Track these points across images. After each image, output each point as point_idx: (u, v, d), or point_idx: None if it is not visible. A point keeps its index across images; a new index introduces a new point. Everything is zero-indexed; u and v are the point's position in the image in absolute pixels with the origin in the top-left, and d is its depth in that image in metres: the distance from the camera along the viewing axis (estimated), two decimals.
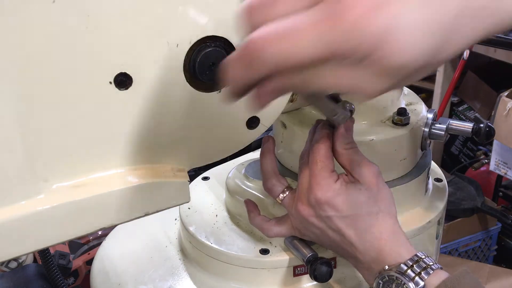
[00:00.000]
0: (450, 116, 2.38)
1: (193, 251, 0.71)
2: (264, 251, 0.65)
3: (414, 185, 0.71)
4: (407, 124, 0.67)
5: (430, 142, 0.74)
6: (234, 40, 0.46)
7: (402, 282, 0.51)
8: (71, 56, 0.40)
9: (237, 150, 0.54)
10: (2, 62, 0.38)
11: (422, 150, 0.72)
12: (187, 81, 0.46)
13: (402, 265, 0.52)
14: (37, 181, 0.42)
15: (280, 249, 0.66)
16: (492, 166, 1.83)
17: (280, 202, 0.62)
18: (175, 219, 0.80)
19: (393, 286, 0.52)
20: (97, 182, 0.45)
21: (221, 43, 0.45)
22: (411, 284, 0.51)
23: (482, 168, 2.07)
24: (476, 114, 2.33)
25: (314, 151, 0.57)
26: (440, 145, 2.42)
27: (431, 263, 0.52)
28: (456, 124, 0.71)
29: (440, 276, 0.51)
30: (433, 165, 0.79)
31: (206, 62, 0.45)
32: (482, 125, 0.69)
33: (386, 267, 0.53)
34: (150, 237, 0.78)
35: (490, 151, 1.89)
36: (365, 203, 0.55)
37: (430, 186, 0.77)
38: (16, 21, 0.37)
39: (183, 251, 0.74)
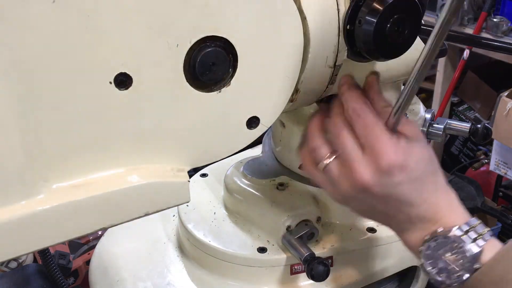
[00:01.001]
0: (450, 116, 2.38)
1: (191, 248, 0.71)
2: (262, 250, 0.66)
3: None
4: None
5: (430, 141, 0.74)
6: (234, 40, 0.46)
7: (459, 245, 0.49)
8: (71, 56, 0.40)
9: (237, 150, 0.54)
10: (2, 62, 0.38)
11: None
12: (187, 81, 0.46)
13: (458, 230, 0.50)
14: (37, 181, 0.42)
15: (277, 248, 0.66)
16: (492, 166, 1.83)
17: (322, 168, 0.54)
18: (173, 215, 0.80)
19: (448, 248, 0.49)
20: (97, 182, 0.45)
21: (221, 43, 0.45)
22: (468, 246, 0.49)
23: (482, 168, 2.07)
24: (476, 114, 2.33)
25: (365, 113, 0.51)
26: (440, 145, 2.42)
27: (486, 230, 0.50)
28: (453, 124, 0.71)
29: (494, 244, 0.50)
30: None
31: (206, 62, 0.45)
32: (479, 125, 0.69)
33: (441, 229, 0.50)
34: (148, 233, 0.78)
35: (490, 151, 1.89)
36: (429, 161, 0.52)
37: None
38: (16, 21, 0.37)
39: (181, 247, 0.75)
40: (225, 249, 0.66)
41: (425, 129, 0.70)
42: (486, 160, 2.07)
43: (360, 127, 0.51)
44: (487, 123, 0.71)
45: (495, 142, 1.78)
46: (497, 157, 1.80)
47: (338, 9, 0.52)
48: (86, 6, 0.39)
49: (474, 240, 0.49)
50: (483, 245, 0.49)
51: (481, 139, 0.69)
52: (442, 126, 0.71)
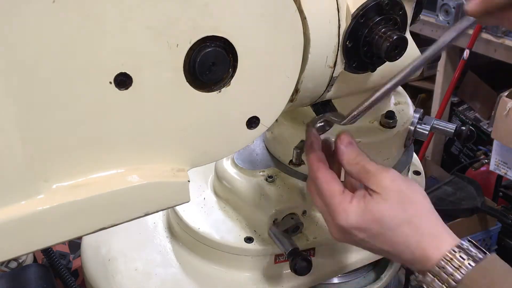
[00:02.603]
0: (450, 116, 2.38)
1: (180, 232, 0.73)
2: (249, 239, 0.68)
3: None
4: (394, 127, 0.69)
5: (413, 141, 0.75)
6: (234, 40, 0.46)
7: (442, 277, 0.50)
8: (71, 56, 0.40)
9: (237, 150, 0.54)
10: (2, 62, 0.38)
11: (405, 147, 0.74)
12: (187, 81, 0.46)
13: (442, 261, 0.50)
14: (37, 181, 0.42)
15: (263, 238, 0.68)
16: (492, 166, 1.83)
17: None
18: None
19: (433, 280, 0.51)
20: (97, 182, 0.45)
21: (221, 43, 0.45)
22: (451, 277, 0.49)
23: (482, 168, 2.07)
24: (476, 114, 2.32)
25: (316, 180, 0.55)
26: (440, 145, 2.42)
27: (468, 259, 0.50)
28: (440, 124, 0.74)
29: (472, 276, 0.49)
30: (414, 157, 0.81)
31: (206, 62, 0.45)
32: (464, 127, 0.72)
33: (427, 265, 0.51)
34: None
35: (490, 151, 1.89)
36: (391, 215, 0.51)
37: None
38: (16, 21, 0.37)
39: (170, 229, 0.77)
40: (214, 237, 0.68)
41: (412, 128, 0.72)
42: (486, 160, 2.07)
43: (319, 194, 0.56)
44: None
45: (495, 142, 1.78)
46: (497, 157, 1.80)
47: (339, 25, 0.53)
48: (86, 6, 0.39)
49: (457, 268, 0.49)
50: (466, 272, 0.49)
51: (465, 141, 0.72)
52: (429, 126, 0.73)
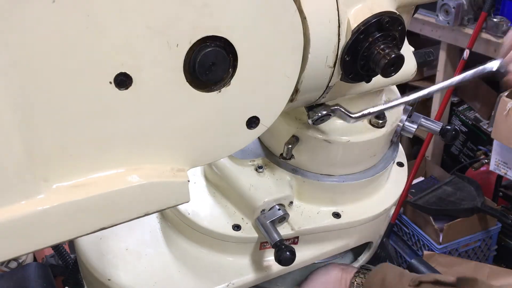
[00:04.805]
0: (450, 116, 2.38)
1: (170, 214, 0.74)
2: (237, 227, 0.70)
3: (378, 177, 0.74)
4: (383, 127, 0.70)
5: (400, 137, 0.77)
6: (234, 40, 0.46)
7: None
8: (71, 56, 0.40)
9: (237, 150, 0.54)
10: (3, 62, 0.38)
11: (391, 142, 0.75)
12: (187, 81, 0.46)
13: None
14: (37, 181, 0.42)
15: (250, 227, 0.70)
16: (492, 166, 1.83)
17: None
18: None
19: None
20: (97, 182, 0.45)
21: (221, 43, 0.45)
22: None
23: (482, 168, 2.07)
24: (476, 114, 2.32)
25: None
26: (440, 145, 2.42)
27: None
28: (426, 122, 0.75)
29: None
30: (400, 150, 0.82)
31: (206, 62, 0.45)
32: (449, 127, 0.73)
33: None
34: None
35: (490, 151, 1.89)
36: None
37: (393, 171, 0.80)
38: (16, 21, 0.37)
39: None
40: (203, 223, 0.70)
41: (401, 125, 0.74)
42: (486, 160, 2.07)
43: None
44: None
45: (495, 142, 1.78)
46: (497, 157, 1.80)
47: (339, 39, 0.53)
48: (86, 6, 0.39)
49: None
50: None
51: (450, 140, 0.74)
52: (416, 124, 0.74)
